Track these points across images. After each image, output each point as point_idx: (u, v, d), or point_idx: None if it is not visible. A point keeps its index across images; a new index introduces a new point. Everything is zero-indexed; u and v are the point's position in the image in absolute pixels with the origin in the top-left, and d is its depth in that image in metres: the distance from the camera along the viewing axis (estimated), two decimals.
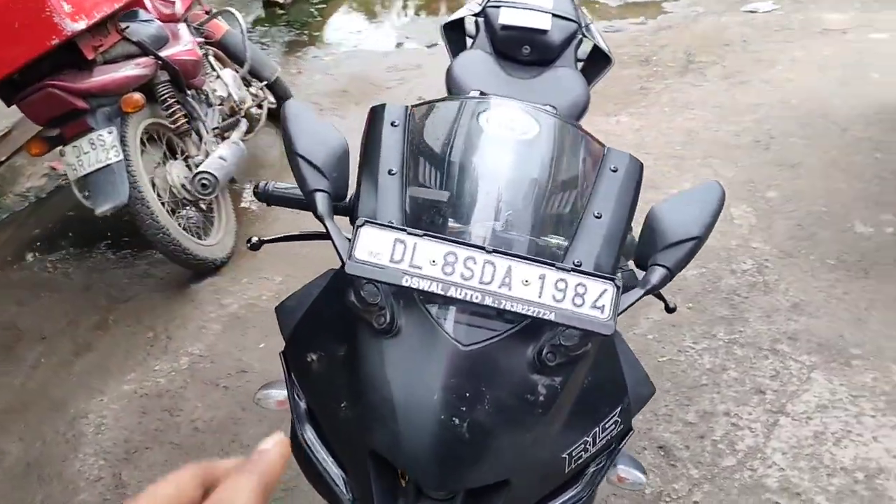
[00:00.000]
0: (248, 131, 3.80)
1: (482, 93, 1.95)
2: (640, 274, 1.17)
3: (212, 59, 3.68)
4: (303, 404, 1.22)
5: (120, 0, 2.90)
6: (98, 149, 2.78)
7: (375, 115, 1.35)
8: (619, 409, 1.20)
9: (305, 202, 1.34)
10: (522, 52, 2.29)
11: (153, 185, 3.00)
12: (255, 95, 3.95)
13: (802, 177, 3.60)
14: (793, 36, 5.26)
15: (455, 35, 2.48)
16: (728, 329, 2.74)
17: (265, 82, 4.13)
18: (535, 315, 1.01)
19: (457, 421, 1.05)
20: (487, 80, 2.20)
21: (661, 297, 1.60)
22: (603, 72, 2.40)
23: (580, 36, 2.35)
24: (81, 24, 2.67)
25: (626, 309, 1.06)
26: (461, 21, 2.47)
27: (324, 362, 1.17)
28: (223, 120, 3.56)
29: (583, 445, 1.15)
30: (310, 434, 1.20)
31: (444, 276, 1.03)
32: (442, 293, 1.02)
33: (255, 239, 1.40)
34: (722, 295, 2.91)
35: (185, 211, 3.18)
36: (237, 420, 2.52)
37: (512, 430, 1.07)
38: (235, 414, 2.55)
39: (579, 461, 1.16)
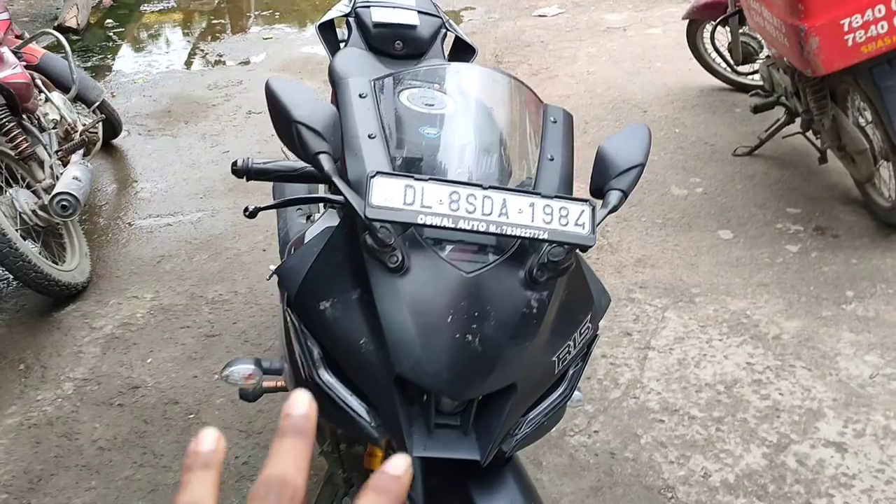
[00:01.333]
0: (85, 154, 3.67)
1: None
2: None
3: (38, 83, 3.52)
4: (316, 351, 1.31)
5: None
6: None
7: (342, 89, 1.46)
8: (589, 316, 1.41)
9: (287, 173, 1.43)
10: (395, 46, 2.47)
11: None
12: (90, 116, 3.81)
13: None
14: (583, 35, 5.83)
15: (327, 35, 2.60)
16: None
17: (94, 104, 3.99)
18: (531, 236, 1.19)
19: (469, 337, 1.21)
20: (369, 73, 2.35)
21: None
22: (470, 61, 2.63)
23: (444, 30, 2.57)
24: None
25: (597, 224, 1.27)
26: (331, 22, 2.60)
27: (338, 307, 1.28)
28: (60, 144, 3.43)
29: (567, 349, 1.35)
30: (328, 376, 1.30)
31: (452, 212, 1.18)
32: (452, 226, 1.17)
33: (251, 207, 1.46)
34: None
35: (40, 237, 3.04)
36: (142, 433, 2.48)
37: (515, 341, 1.24)
38: (139, 428, 2.50)
39: (564, 363, 1.35)
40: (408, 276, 1.23)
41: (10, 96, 3.03)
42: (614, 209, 1.34)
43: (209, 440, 0.43)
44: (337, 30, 2.64)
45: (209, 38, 6.41)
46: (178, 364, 2.76)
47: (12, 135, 3.00)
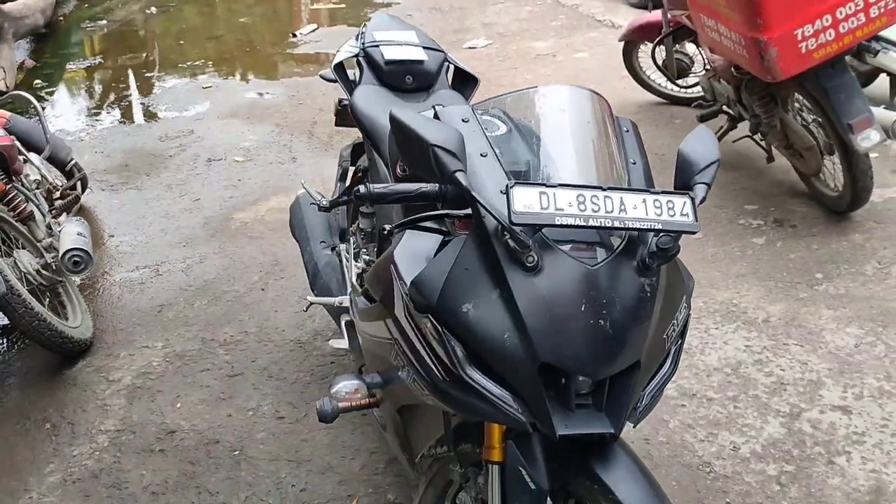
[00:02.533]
0: (67, 211, 3.66)
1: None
2: None
3: (17, 144, 3.50)
4: (460, 351, 1.44)
5: None
6: None
7: (444, 117, 1.60)
8: (685, 296, 1.59)
9: (406, 195, 1.56)
10: (406, 81, 2.63)
11: None
12: (68, 175, 3.80)
13: None
14: (516, 63, 6.13)
15: (342, 76, 2.74)
16: None
17: (66, 163, 3.98)
18: (649, 227, 1.37)
19: (602, 322, 1.37)
20: (389, 106, 2.50)
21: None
22: (473, 89, 2.81)
23: (447, 63, 2.75)
24: None
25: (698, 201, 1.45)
26: (342, 62, 2.74)
27: (480, 308, 1.41)
28: (55, 203, 3.42)
29: (672, 327, 1.52)
30: (474, 372, 1.43)
31: (581, 212, 1.35)
32: (584, 224, 1.34)
33: (388, 227, 1.56)
34: None
35: (45, 297, 3.03)
36: (192, 474, 2.51)
37: (637, 322, 1.41)
38: (187, 470, 2.53)
39: (671, 340, 1.53)
40: (542, 274, 1.38)
41: (3, 159, 3.03)
42: (703, 200, 1.53)
43: None
44: (347, 70, 2.78)
45: (145, 91, 6.39)
46: (208, 405, 2.80)
47: (10, 197, 2.99)
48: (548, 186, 1.36)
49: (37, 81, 6.55)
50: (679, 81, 4.73)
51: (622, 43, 4.90)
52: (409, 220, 1.61)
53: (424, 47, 2.70)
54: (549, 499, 1.59)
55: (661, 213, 1.40)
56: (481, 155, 1.53)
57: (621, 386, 1.45)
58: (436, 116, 1.66)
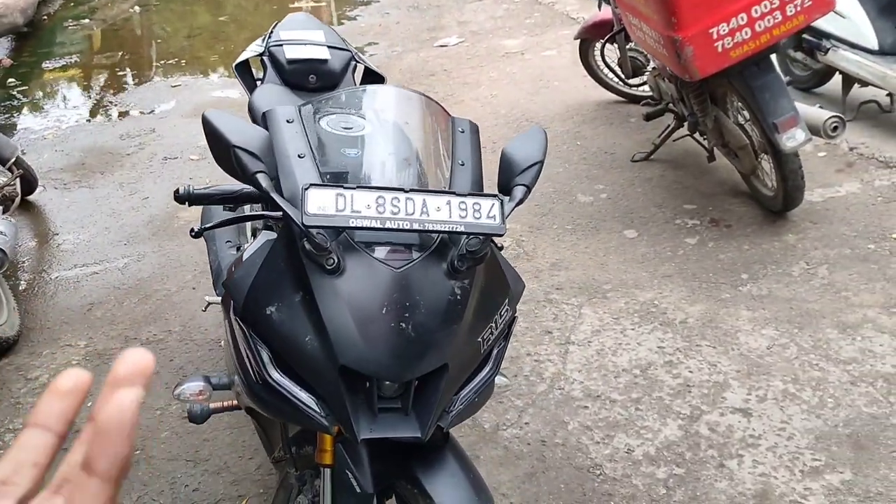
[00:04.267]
0: (4, 210, 3.68)
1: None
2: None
3: None
4: (266, 353, 1.44)
5: None
6: None
7: (271, 117, 1.60)
8: (507, 300, 1.58)
9: (227, 195, 1.56)
10: (310, 80, 2.63)
11: None
12: (4, 174, 3.82)
13: None
14: (483, 61, 6.11)
15: (243, 75, 2.75)
16: None
17: (9, 161, 4.00)
18: (450, 229, 1.36)
19: (403, 325, 1.36)
20: (289, 106, 2.50)
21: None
22: None
23: (354, 62, 2.75)
24: None
25: (507, 216, 1.44)
26: (247, 62, 2.74)
27: (283, 311, 1.41)
28: None
29: (489, 330, 1.51)
30: (277, 375, 1.43)
31: (379, 214, 1.34)
32: (380, 226, 1.33)
33: (196, 227, 1.56)
34: None
35: None
36: None
37: (443, 326, 1.41)
38: None
39: (488, 343, 1.52)
40: (344, 276, 1.38)
41: None
42: (520, 202, 1.52)
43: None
44: (253, 69, 2.78)
45: (116, 90, 6.43)
46: None
47: None
48: (346, 188, 1.36)
49: (10, 80, 6.60)
50: (633, 80, 4.70)
51: (577, 41, 4.87)
52: (218, 222, 1.61)
53: (330, 46, 2.70)
54: (375, 501, 1.59)
55: (465, 216, 1.40)
56: (299, 156, 1.53)
57: (430, 390, 1.44)
58: (264, 115, 1.66)
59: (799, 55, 4.48)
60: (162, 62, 7.02)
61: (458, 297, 1.44)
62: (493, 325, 1.53)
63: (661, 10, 2.90)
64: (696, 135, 3.85)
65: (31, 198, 4.43)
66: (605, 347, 2.89)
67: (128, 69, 6.94)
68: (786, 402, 2.57)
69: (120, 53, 7.34)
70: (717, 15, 2.83)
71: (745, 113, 3.43)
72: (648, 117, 4.19)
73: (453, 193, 1.41)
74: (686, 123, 3.84)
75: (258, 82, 2.70)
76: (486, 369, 1.56)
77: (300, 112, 1.62)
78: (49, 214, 4.31)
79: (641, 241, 3.54)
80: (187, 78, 6.52)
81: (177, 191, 1.63)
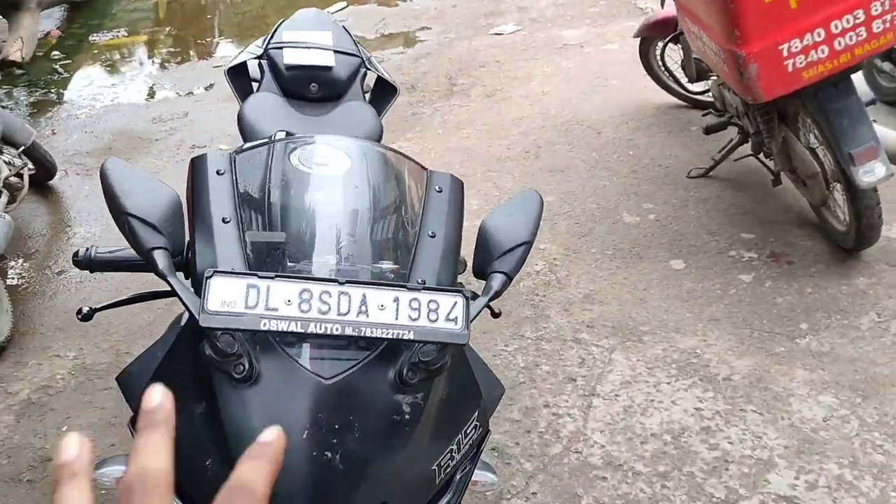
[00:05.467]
0: (11, 202, 3.50)
1: (288, 133, 1.96)
2: (477, 287, 1.25)
3: None
4: None
5: None
6: None
7: (198, 165, 1.32)
8: (476, 413, 1.27)
9: (137, 262, 1.29)
10: (311, 89, 2.33)
11: None
12: (11, 164, 3.64)
13: (571, 179, 3.93)
14: (538, 53, 5.71)
15: (240, 80, 2.46)
16: (534, 327, 2.93)
17: (21, 147, 3.83)
18: (394, 337, 1.05)
19: (329, 454, 1.06)
20: (281, 120, 2.22)
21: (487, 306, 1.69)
22: (391, 101, 2.50)
23: (364, 69, 2.43)
24: None
25: (475, 317, 1.13)
26: (244, 65, 2.46)
27: (182, 424, 1.13)
28: None
29: (449, 454, 1.20)
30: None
31: (302, 313, 1.04)
32: (302, 331, 1.03)
33: (85, 309, 1.31)
34: (523, 297, 3.10)
35: None
36: None
37: (384, 454, 1.10)
38: None
39: (448, 470, 1.21)
40: (258, 386, 1.08)
41: None
42: (496, 295, 1.20)
43: (72, 447, 0.43)
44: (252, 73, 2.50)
45: (156, 68, 6.25)
46: (95, 431, 2.59)
47: None
48: (261, 277, 1.06)
49: (55, 53, 6.48)
50: (695, 85, 4.26)
51: (638, 39, 4.45)
52: (111, 303, 1.34)
53: (337, 51, 2.39)
54: None
55: (417, 318, 1.08)
56: (223, 220, 1.23)
57: None
58: (193, 162, 1.37)
59: (887, 66, 3.98)
60: (207, 40, 6.82)
61: (407, 416, 1.13)
62: (456, 447, 1.22)
63: (723, 20, 2.50)
64: (761, 155, 3.42)
65: (51, 183, 4.27)
66: (634, 404, 2.54)
67: (170, 46, 6.76)
68: (840, 491, 2.19)
69: (167, 28, 7.16)
70: (789, 29, 2.42)
71: (818, 137, 3.00)
72: (708, 130, 3.77)
73: (403, 287, 1.09)
74: (750, 141, 3.42)
75: (256, 87, 2.42)
76: (446, 499, 1.25)
77: (233, 162, 1.32)
78: (65, 203, 4.14)
79: (689, 275, 3.15)
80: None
81: (76, 254, 1.36)
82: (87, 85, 5.91)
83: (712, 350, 2.75)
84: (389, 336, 1.05)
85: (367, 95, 2.46)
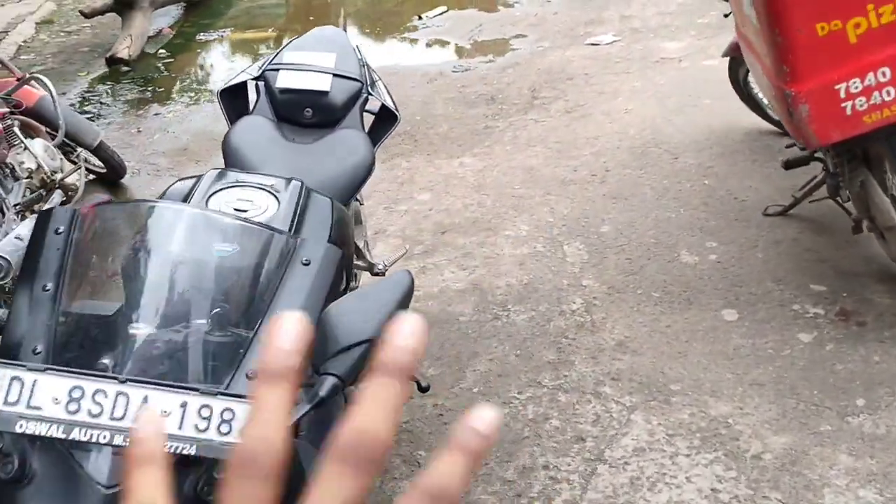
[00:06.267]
0: (66, 202, 3.60)
1: (221, 172, 1.84)
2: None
3: (16, 129, 3.46)
4: None
5: None
6: None
7: (41, 221, 1.22)
8: None
9: None
10: (305, 115, 2.22)
11: None
12: (74, 164, 3.74)
13: (635, 208, 3.65)
14: (632, 67, 5.39)
15: (238, 102, 2.38)
16: (553, 375, 2.71)
17: (88, 148, 3.94)
18: (173, 450, 0.90)
19: None
20: (266, 147, 2.12)
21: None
22: (390, 130, 2.35)
23: (365, 95, 2.30)
24: None
25: (297, 419, 0.97)
26: (244, 86, 2.38)
27: None
28: (32, 193, 3.35)
29: None
30: None
31: (69, 415, 0.91)
32: (64, 436, 0.90)
33: None
34: (550, 339, 2.88)
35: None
36: None
37: None
38: None
39: None
40: (32, 488, 0.96)
41: None
42: (322, 402, 1.02)
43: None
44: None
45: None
46: None
47: None
48: (30, 369, 0.93)
49: (161, 51, 6.71)
50: None
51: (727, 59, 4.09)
52: None
53: (336, 74, 2.25)
54: None
55: (206, 428, 0.93)
56: (44, 288, 1.12)
57: None
58: (38, 217, 1.26)
59: None
60: None
61: None
62: None
63: (771, 52, 2.18)
64: (839, 199, 3.03)
65: (123, 181, 4.38)
66: (643, 476, 2.29)
67: (270, 46, 6.86)
68: None
69: (269, 29, 7.28)
70: (848, 67, 2.08)
71: None
72: (788, 165, 3.38)
73: (195, 390, 0.94)
74: (826, 182, 3.04)
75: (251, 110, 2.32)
76: None
77: (76, 221, 1.21)
78: None
79: (740, 328, 2.83)
80: None
81: None
82: (181, 84, 6.07)
83: (747, 421, 2.44)
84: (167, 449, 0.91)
85: (364, 124, 2.32)
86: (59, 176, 3.55)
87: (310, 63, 2.28)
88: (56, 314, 1.10)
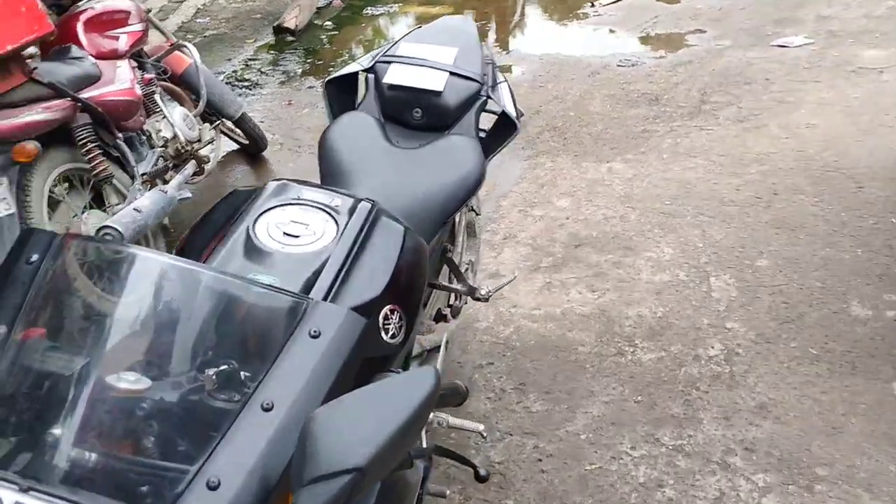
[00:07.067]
0: (199, 173, 3.57)
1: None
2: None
3: (157, 97, 3.44)
4: None
5: (18, 38, 2.68)
6: None
7: (14, 250, 1.03)
8: None
9: None
10: (413, 115, 1.99)
11: None
12: (233, 132, 3.73)
13: (801, 242, 3.17)
14: (822, 75, 4.78)
15: (344, 95, 2.18)
16: (676, 432, 2.35)
17: (230, 119, 3.93)
18: None
19: None
20: (364, 149, 1.90)
21: (466, 462, 1.25)
22: (508, 140, 2.07)
23: (483, 98, 2.02)
24: None
25: None
26: (352, 78, 2.17)
27: None
28: (165, 162, 3.34)
29: None
30: None
31: None
32: None
33: None
34: (678, 387, 2.51)
35: None
36: None
37: None
38: None
39: None
40: None
41: (100, 115, 2.96)
42: None
43: None
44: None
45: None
46: None
47: (91, 155, 2.93)
48: None
49: (328, 23, 6.69)
50: None
51: None
52: None
53: (453, 73, 1.99)
54: None
55: None
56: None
57: None
58: (20, 237, 1.07)
59: None
60: (511, 19, 6.64)
61: None
62: None
63: None
64: None
65: (265, 154, 4.36)
66: None
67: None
68: None
69: (436, 7, 7.11)
70: None
71: None
72: None
73: None
74: None
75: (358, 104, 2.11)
76: None
77: (55, 252, 1.01)
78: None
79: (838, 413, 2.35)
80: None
81: None
82: (338, 58, 6.01)
83: None
84: None
85: (477, 129, 2.03)
86: (196, 146, 3.52)
87: (426, 57, 2.04)
88: (13, 360, 0.92)
